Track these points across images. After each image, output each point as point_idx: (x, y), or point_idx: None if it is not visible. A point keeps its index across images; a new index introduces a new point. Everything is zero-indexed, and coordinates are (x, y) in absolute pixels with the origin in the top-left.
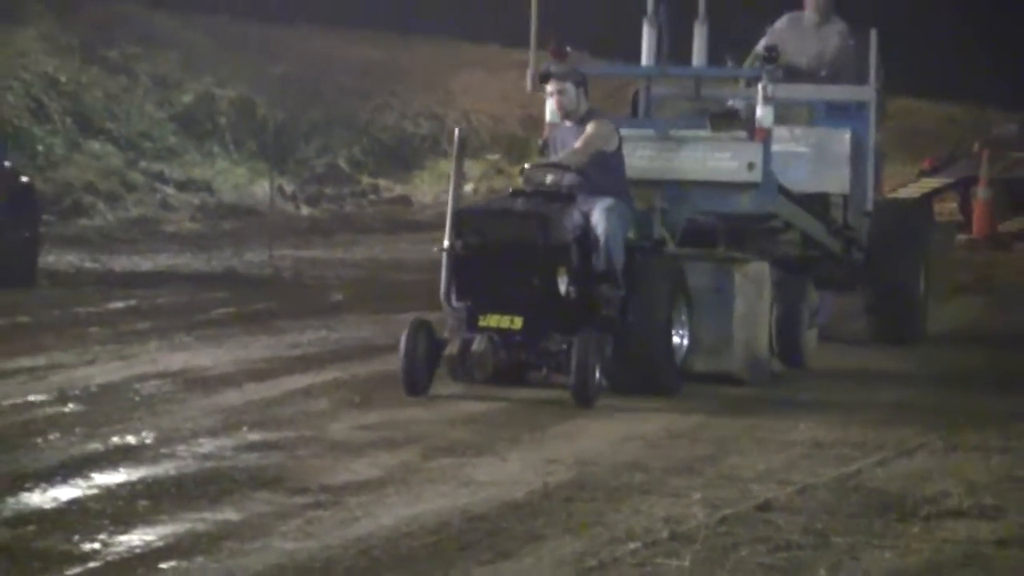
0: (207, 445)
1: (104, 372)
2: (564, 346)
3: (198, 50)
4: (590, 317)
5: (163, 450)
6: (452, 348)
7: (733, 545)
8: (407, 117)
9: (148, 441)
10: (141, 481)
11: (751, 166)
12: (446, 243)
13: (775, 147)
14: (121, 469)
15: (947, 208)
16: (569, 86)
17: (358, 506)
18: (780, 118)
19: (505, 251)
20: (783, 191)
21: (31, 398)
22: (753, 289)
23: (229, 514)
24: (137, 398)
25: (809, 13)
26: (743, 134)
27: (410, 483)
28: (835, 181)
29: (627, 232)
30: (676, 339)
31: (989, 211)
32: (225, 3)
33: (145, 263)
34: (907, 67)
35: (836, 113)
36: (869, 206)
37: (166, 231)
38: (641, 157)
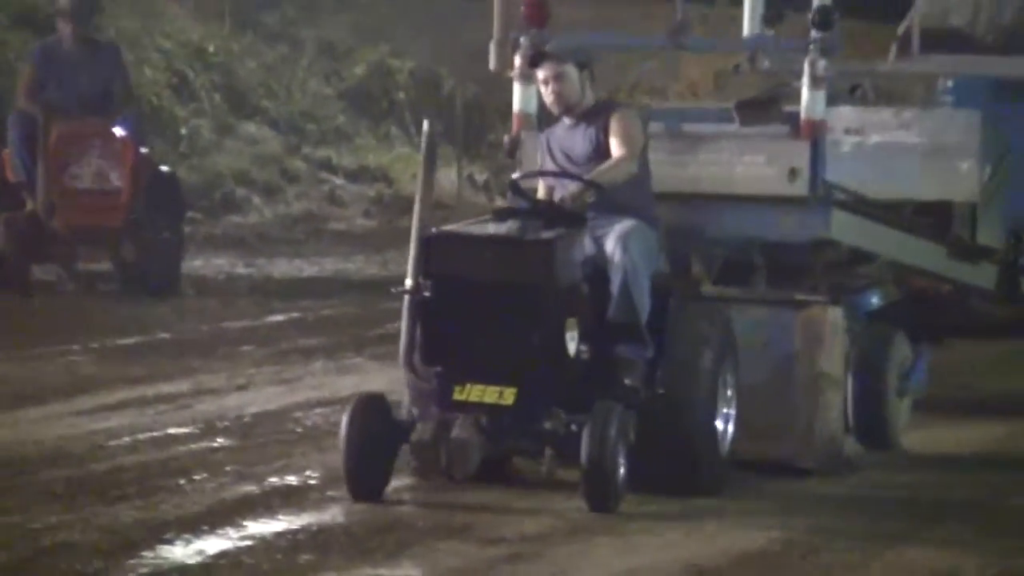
0: None
1: (260, 399)
2: (573, 427)
3: (373, 13)
4: (608, 388)
5: (330, 492)
6: (421, 433)
7: None
8: (623, 88)
9: (312, 482)
10: (304, 530)
11: (794, 173)
12: (408, 282)
13: (875, 137)
14: (280, 516)
15: None
16: (570, 69)
17: (566, 558)
18: (886, 95)
19: (491, 295)
20: (857, 204)
21: (173, 431)
22: (818, 344)
23: (409, 568)
24: (299, 429)
25: None
26: (784, 129)
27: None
28: (959, 184)
29: (654, 266)
30: (720, 419)
31: None
32: None
33: (309, 268)
34: None
35: (1003, 95)
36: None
37: (334, 229)
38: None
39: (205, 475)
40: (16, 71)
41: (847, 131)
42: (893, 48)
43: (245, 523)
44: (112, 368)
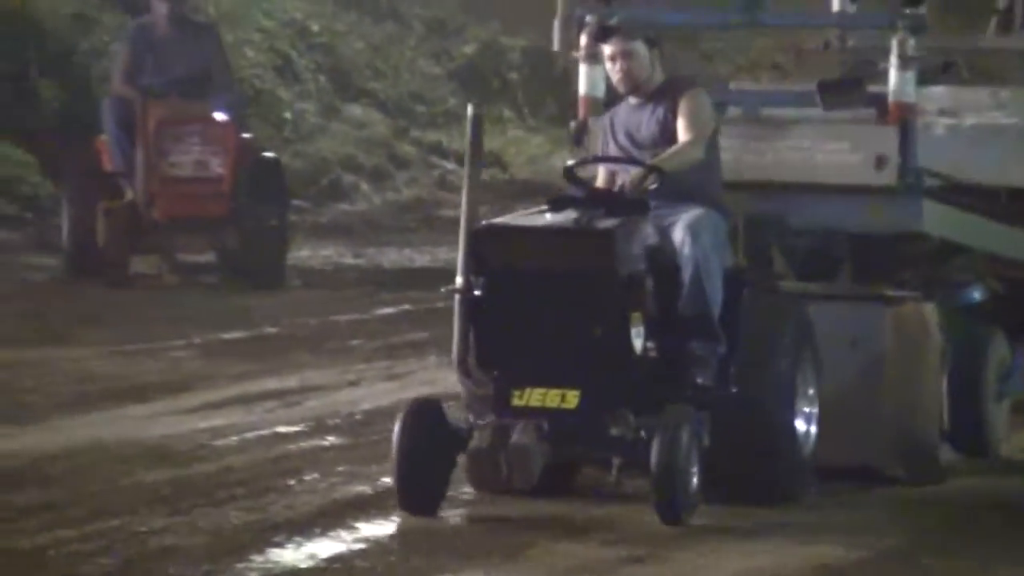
0: None
1: (371, 395)
2: (642, 433)
3: None
4: (679, 388)
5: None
6: (478, 441)
7: None
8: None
9: None
10: (418, 531)
11: (881, 161)
12: (459, 280)
13: (971, 118)
14: (394, 517)
15: None
16: (639, 46)
17: (686, 561)
18: (982, 73)
19: (549, 291)
20: (950, 193)
21: (281, 429)
22: (911, 342)
23: (527, 571)
24: None
25: None
26: (871, 112)
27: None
28: None
29: (726, 259)
30: (801, 419)
31: None
32: None
33: (420, 257)
34: None
35: None
36: None
37: (445, 216)
38: (724, 148)
39: (316, 475)
40: (110, 54)
41: (940, 112)
42: (993, 22)
43: (357, 525)
44: (216, 364)
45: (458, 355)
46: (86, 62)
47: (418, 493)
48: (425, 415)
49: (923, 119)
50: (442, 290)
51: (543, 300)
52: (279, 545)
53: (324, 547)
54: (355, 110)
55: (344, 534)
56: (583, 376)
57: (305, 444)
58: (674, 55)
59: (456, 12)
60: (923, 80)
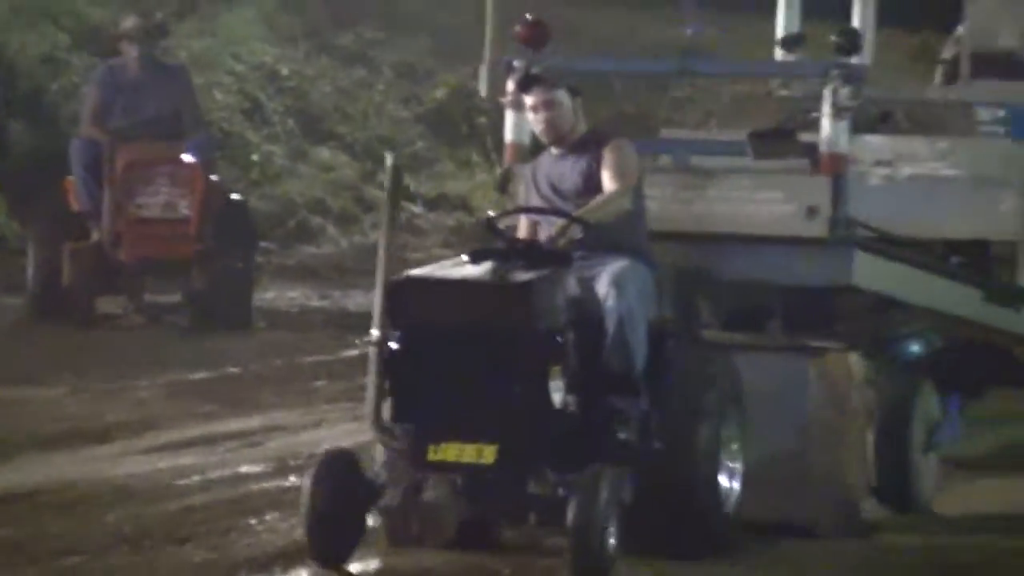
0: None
1: (334, 436)
2: (560, 491)
3: (452, 35)
4: (600, 444)
5: None
6: (390, 499)
7: None
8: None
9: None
10: (381, 572)
11: (812, 212)
12: (374, 332)
13: (907, 169)
14: (354, 559)
15: None
16: (563, 96)
17: None
18: (923, 125)
19: (466, 343)
20: (883, 245)
21: (244, 469)
22: (835, 394)
23: None
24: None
25: None
26: (803, 162)
27: None
28: (999, 221)
29: (650, 312)
30: (725, 475)
31: None
32: None
33: None
34: None
35: None
36: None
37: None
38: (652, 198)
39: (277, 514)
40: (79, 96)
41: (876, 163)
42: (938, 73)
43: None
44: (181, 404)
45: (373, 408)
46: (56, 103)
47: (328, 544)
48: (337, 467)
49: (858, 169)
50: (356, 342)
51: (460, 354)
52: None
53: None
54: (323, 153)
55: (305, 573)
56: (501, 431)
57: (267, 484)
58: (644, 100)
59: (425, 57)
60: (859, 129)
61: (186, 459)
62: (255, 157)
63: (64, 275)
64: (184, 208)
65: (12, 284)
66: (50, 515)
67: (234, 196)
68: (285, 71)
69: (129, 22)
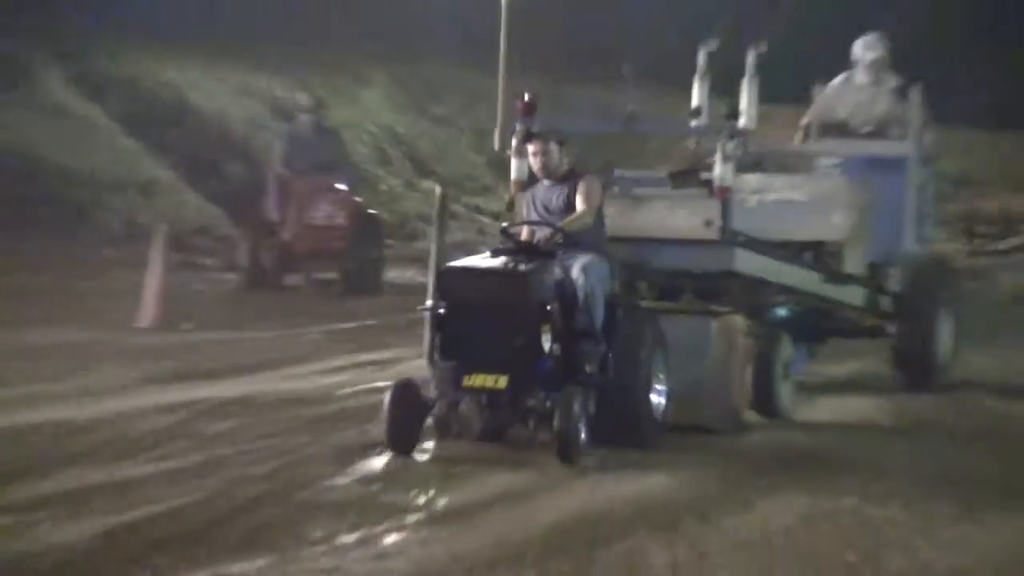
0: None
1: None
2: (548, 404)
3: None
4: (574, 375)
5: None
6: (440, 409)
7: None
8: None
9: None
10: (435, 458)
11: (709, 223)
12: (428, 302)
13: (772, 196)
14: (418, 448)
15: None
16: (552, 146)
17: (581, 487)
18: (783, 167)
19: (488, 310)
20: (757, 246)
21: (378, 383)
22: (728, 342)
23: (469, 492)
24: None
25: (861, 73)
26: (704, 191)
27: None
28: (829, 228)
29: (607, 288)
30: (655, 394)
31: None
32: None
33: None
34: None
35: (875, 167)
36: (905, 255)
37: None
38: (608, 214)
39: None
40: (272, 146)
41: (752, 192)
42: (799, 134)
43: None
44: (336, 343)
45: (428, 351)
46: (257, 149)
47: (399, 439)
48: (405, 390)
49: (739, 196)
50: (417, 308)
51: (483, 317)
52: (378, 455)
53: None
54: (425, 183)
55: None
56: (510, 367)
57: None
58: (630, 147)
59: (489, 120)
60: (741, 170)
61: (339, 377)
62: (383, 186)
63: (263, 260)
64: (339, 219)
65: (232, 265)
66: (251, 413)
67: (370, 211)
68: (401, 129)
69: (303, 99)
